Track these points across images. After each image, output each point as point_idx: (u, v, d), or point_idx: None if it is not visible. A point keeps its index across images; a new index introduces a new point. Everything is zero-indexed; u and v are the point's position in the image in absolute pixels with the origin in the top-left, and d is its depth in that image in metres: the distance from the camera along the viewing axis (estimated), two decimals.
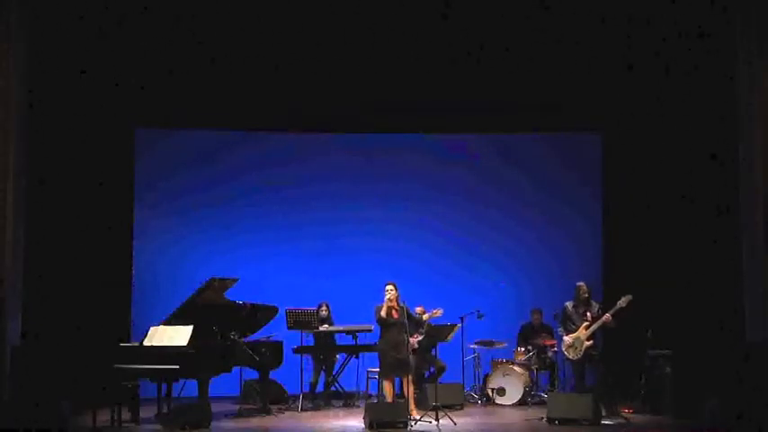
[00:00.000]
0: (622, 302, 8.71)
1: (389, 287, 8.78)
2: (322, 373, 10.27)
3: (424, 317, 9.57)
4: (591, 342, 8.91)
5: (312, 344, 10.14)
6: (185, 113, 11.04)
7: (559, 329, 9.21)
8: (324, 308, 10.32)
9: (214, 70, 10.40)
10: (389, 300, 8.71)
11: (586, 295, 9.10)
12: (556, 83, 10.63)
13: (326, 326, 10.07)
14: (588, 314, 8.99)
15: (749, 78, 8.58)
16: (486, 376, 10.38)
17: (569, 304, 9.16)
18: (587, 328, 8.92)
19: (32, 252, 8.99)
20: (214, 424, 8.40)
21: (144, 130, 11.24)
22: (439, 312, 9.41)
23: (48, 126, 9.48)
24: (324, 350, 10.15)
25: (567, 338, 9.01)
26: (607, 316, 8.78)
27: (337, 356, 10.33)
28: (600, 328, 8.89)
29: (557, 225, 11.70)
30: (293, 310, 9.71)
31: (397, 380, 9.09)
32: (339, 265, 11.42)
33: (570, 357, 9.02)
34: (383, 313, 8.72)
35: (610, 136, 11.52)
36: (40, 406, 7.79)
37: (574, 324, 9.05)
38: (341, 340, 10.37)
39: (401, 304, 8.81)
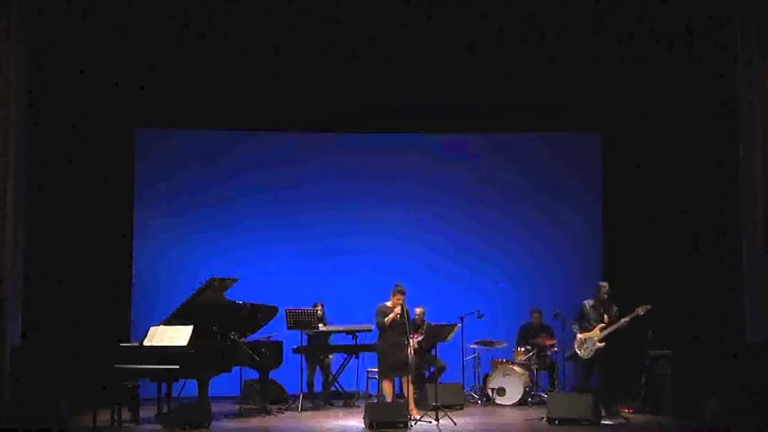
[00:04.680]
0: (640, 311, 8.69)
1: (400, 296, 8.71)
2: (318, 372, 10.27)
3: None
4: (603, 344, 8.89)
5: (307, 343, 10.13)
6: (185, 113, 11.04)
7: (574, 326, 9.15)
8: (319, 308, 10.31)
9: (214, 70, 10.40)
10: (396, 313, 8.67)
11: (606, 296, 9.06)
12: (556, 83, 10.63)
13: (321, 325, 10.06)
14: (606, 316, 8.97)
15: (749, 78, 8.57)
16: (486, 376, 10.38)
17: (588, 303, 9.11)
18: (602, 329, 8.91)
19: (32, 252, 8.98)
20: (214, 424, 8.41)
21: (144, 130, 11.24)
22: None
23: (48, 126, 9.48)
24: (320, 350, 10.14)
25: (580, 336, 8.99)
26: (623, 322, 8.76)
27: (332, 356, 10.34)
28: (614, 331, 8.87)
29: (557, 225, 11.70)
30: (293, 310, 9.71)
31: (396, 380, 9.09)
32: (339, 265, 11.42)
33: (580, 355, 9.01)
34: (386, 321, 8.69)
35: (610, 136, 11.52)
36: (40, 406, 7.79)
37: (589, 323, 9.02)
38: (341, 340, 10.38)
39: (404, 306, 8.78)
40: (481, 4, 9.69)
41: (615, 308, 9.03)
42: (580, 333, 9.03)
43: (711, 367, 8.89)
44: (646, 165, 10.81)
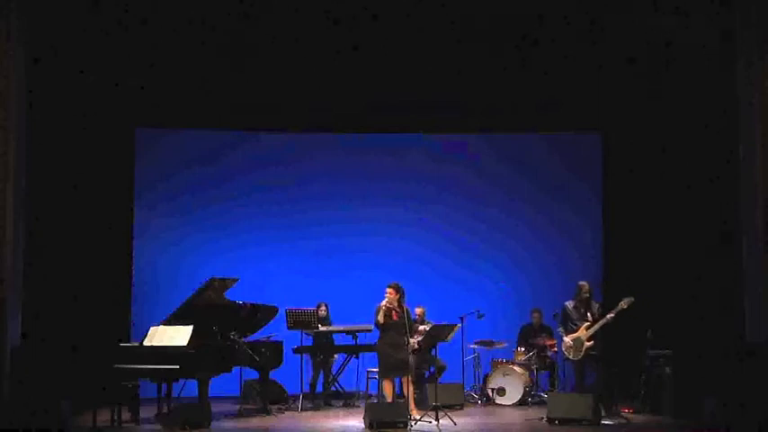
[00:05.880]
0: (624, 304, 8.69)
1: (389, 290, 8.73)
2: (321, 373, 10.28)
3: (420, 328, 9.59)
4: (591, 342, 8.89)
5: (311, 344, 10.16)
6: (185, 113, 11.04)
7: (559, 329, 9.19)
8: (323, 308, 10.33)
9: (214, 70, 10.40)
10: (385, 306, 8.68)
11: (587, 295, 9.07)
12: (556, 83, 10.63)
13: (320, 325, 10.05)
14: (589, 314, 8.98)
15: (749, 78, 8.57)
16: (486, 376, 10.38)
17: (569, 304, 9.13)
18: (588, 328, 8.91)
19: (32, 252, 8.99)
20: (214, 424, 8.41)
21: (144, 130, 11.24)
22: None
23: (48, 126, 9.48)
24: (322, 350, 10.15)
25: (567, 339, 8.98)
26: (609, 317, 8.76)
27: (336, 356, 10.34)
28: (600, 328, 8.88)
29: (556, 225, 11.70)
30: (293, 310, 9.71)
31: (397, 380, 9.09)
32: (339, 264, 11.41)
33: (570, 358, 9.01)
34: (380, 318, 8.69)
35: (610, 136, 11.52)
36: (40, 406, 7.79)
37: (574, 324, 9.02)
38: (341, 340, 10.38)
39: (403, 306, 8.79)
40: (482, 4, 9.68)
41: (597, 305, 9.05)
42: (566, 335, 9.02)
43: (711, 367, 8.88)
44: (646, 165, 10.81)
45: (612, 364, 9.17)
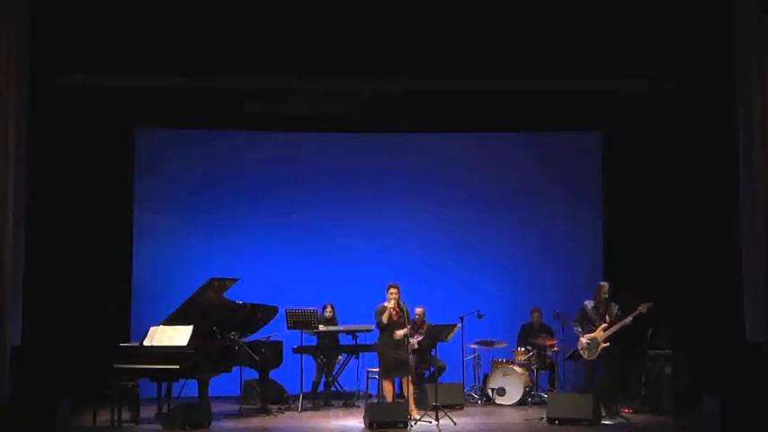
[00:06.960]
0: (642, 308, 8.71)
1: (393, 291, 8.74)
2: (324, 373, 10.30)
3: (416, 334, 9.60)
4: (607, 344, 8.89)
5: (316, 344, 10.15)
6: (185, 113, 11.03)
7: (576, 328, 9.16)
8: (329, 309, 10.33)
9: (214, 70, 10.38)
10: (391, 307, 8.68)
11: (606, 295, 9.07)
12: (556, 82, 10.61)
13: (322, 326, 10.05)
14: (607, 316, 8.97)
15: (749, 78, 8.56)
16: (486, 376, 10.39)
17: (589, 303, 9.12)
18: (605, 329, 8.90)
19: (32, 252, 8.98)
20: (214, 424, 8.42)
21: (144, 130, 11.24)
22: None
23: (48, 125, 9.47)
24: (325, 351, 10.15)
25: (584, 339, 8.97)
26: (627, 320, 8.76)
27: (341, 357, 10.34)
28: (617, 330, 8.88)
29: (557, 225, 11.69)
30: (293, 310, 9.72)
31: (396, 380, 9.09)
32: (339, 265, 11.40)
33: (585, 357, 9.00)
34: (384, 319, 8.70)
35: (610, 136, 11.51)
36: (40, 406, 7.79)
37: (593, 324, 9.02)
38: (341, 340, 10.37)
39: (402, 305, 8.80)
40: (483, 4, 9.67)
41: (616, 306, 9.04)
42: (583, 336, 9.01)
43: (711, 367, 8.88)
44: (646, 165, 10.81)
45: (613, 363, 9.17)
